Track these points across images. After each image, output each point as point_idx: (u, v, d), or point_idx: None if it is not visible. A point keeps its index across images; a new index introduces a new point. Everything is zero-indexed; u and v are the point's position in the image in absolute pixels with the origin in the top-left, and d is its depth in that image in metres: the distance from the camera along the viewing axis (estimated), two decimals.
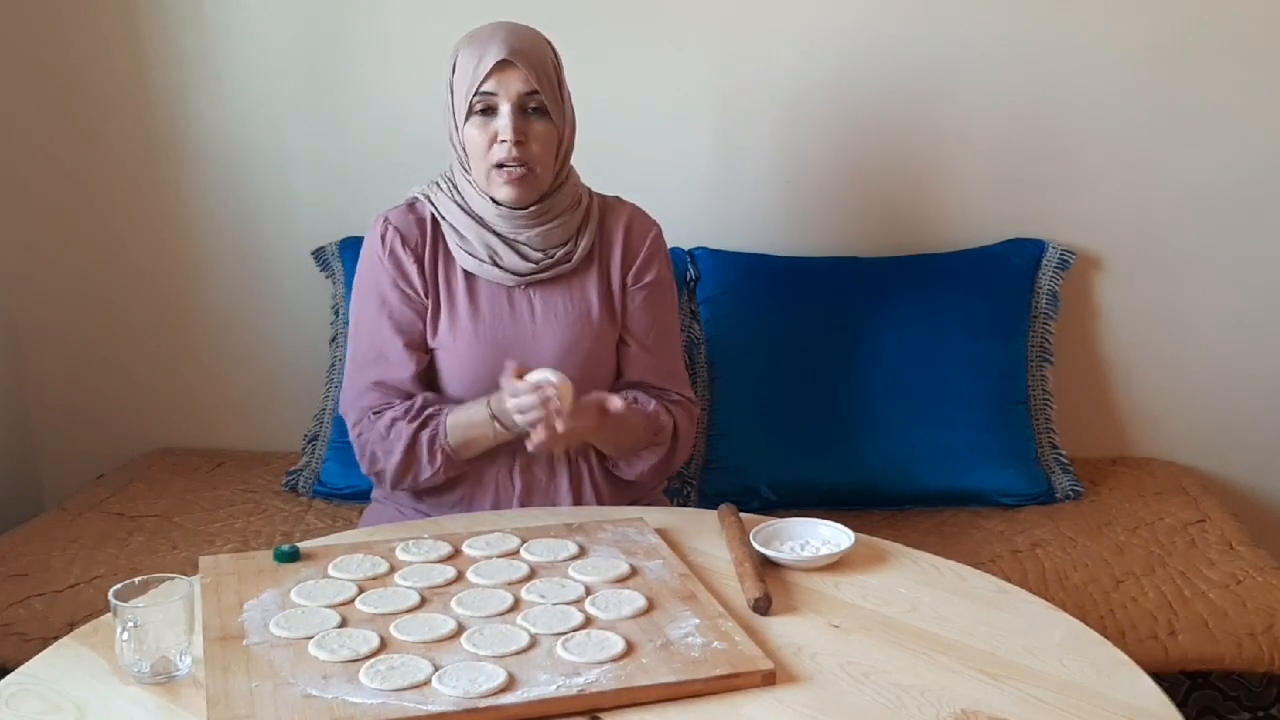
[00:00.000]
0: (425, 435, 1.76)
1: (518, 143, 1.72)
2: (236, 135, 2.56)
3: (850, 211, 2.51)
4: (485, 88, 1.72)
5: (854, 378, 2.33)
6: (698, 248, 2.46)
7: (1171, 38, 2.37)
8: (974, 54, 2.41)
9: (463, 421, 1.76)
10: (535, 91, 1.73)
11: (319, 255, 2.54)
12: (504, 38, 1.73)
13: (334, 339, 2.50)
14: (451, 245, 1.82)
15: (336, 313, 2.50)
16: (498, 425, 1.73)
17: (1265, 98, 2.38)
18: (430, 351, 1.84)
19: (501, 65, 1.71)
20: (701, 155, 2.51)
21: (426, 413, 1.78)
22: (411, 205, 1.87)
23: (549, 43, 1.80)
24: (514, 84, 1.72)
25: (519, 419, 1.65)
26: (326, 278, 2.53)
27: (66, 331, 2.68)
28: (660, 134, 2.49)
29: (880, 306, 2.37)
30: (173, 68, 2.53)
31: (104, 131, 2.58)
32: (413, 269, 1.81)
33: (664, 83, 2.47)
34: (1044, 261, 2.42)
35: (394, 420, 1.78)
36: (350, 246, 2.49)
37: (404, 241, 1.82)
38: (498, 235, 1.80)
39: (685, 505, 2.24)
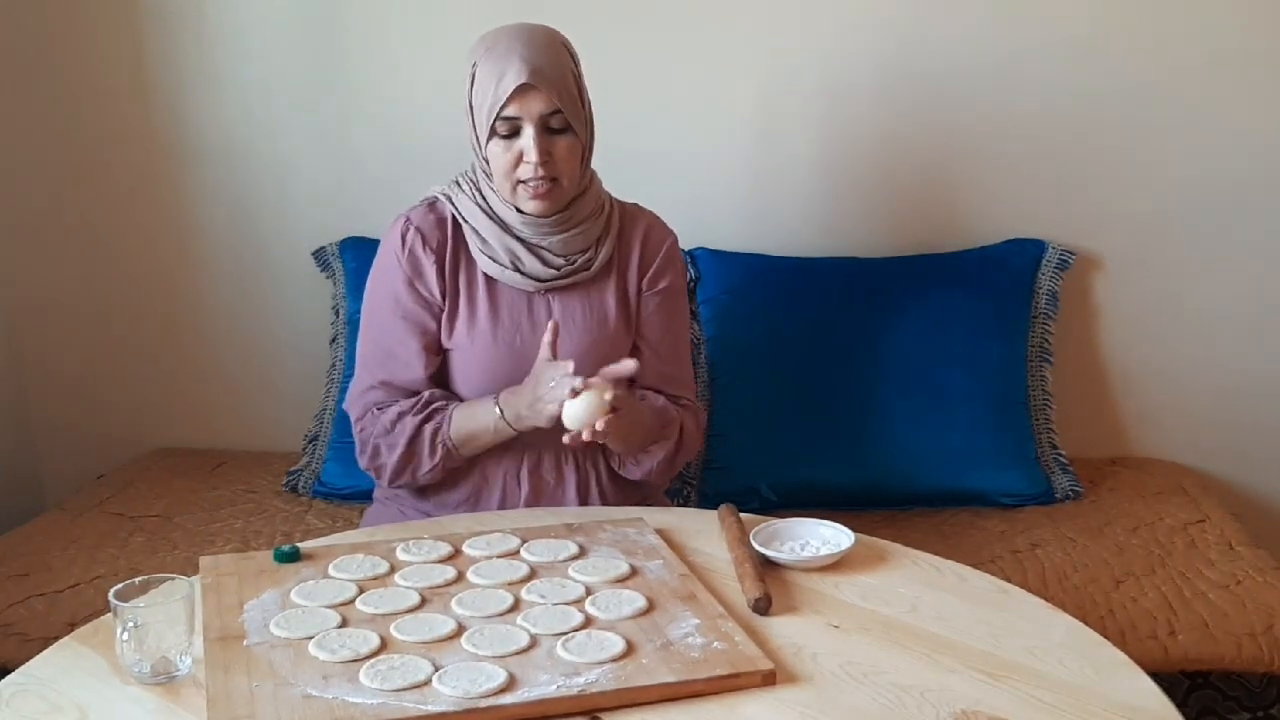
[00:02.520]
0: (429, 428, 1.76)
1: (543, 162, 1.71)
2: (237, 135, 2.56)
3: (850, 212, 2.51)
4: (507, 112, 1.70)
5: (854, 378, 2.33)
6: (698, 248, 2.46)
7: (1171, 38, 2.37)
8: (973, 56, 2.41)
9: (467, 414, 1.76)
10: (558, 111, 1.71)
11: (319, 255, 2.54)
12: (523, 54, 1.69)
13: (334, 339, 2.50)
14: (473, 248, 1.81)
15: (337, 313, 2.50)
16: (502, 421, 1.73)
17: (1264, 98, 2.38)
18: (441, 354, 1.84)
19: (523, 89, 1.69)
20: (702, 156, 2.51)
21: (433, 407, 1.78)
22: (432, 205, 1.86)
23: (567, 48, 1.77)
24: (536, 105, 1.70)
25: (548, 407, 1.64)
26: (326, 278, 2.53)
27: (67, 331, 2.68)
28: (662, 136, 2.49)
29: (880, 307, 2.37)
30: (173, 68, 2.53)
31: (104, 132, 2.58)
32: (431, 271, 1.81)
33: (666, 85, 2.48)
34: (1044, 262, 2.42)
35: (400, 414, 1.78)
36: (350, 246, 2.49)
37: (425, 242, 1.81)
38: (520, 240, 1.79)
39: (685, 505, 2.24)
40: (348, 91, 2.53)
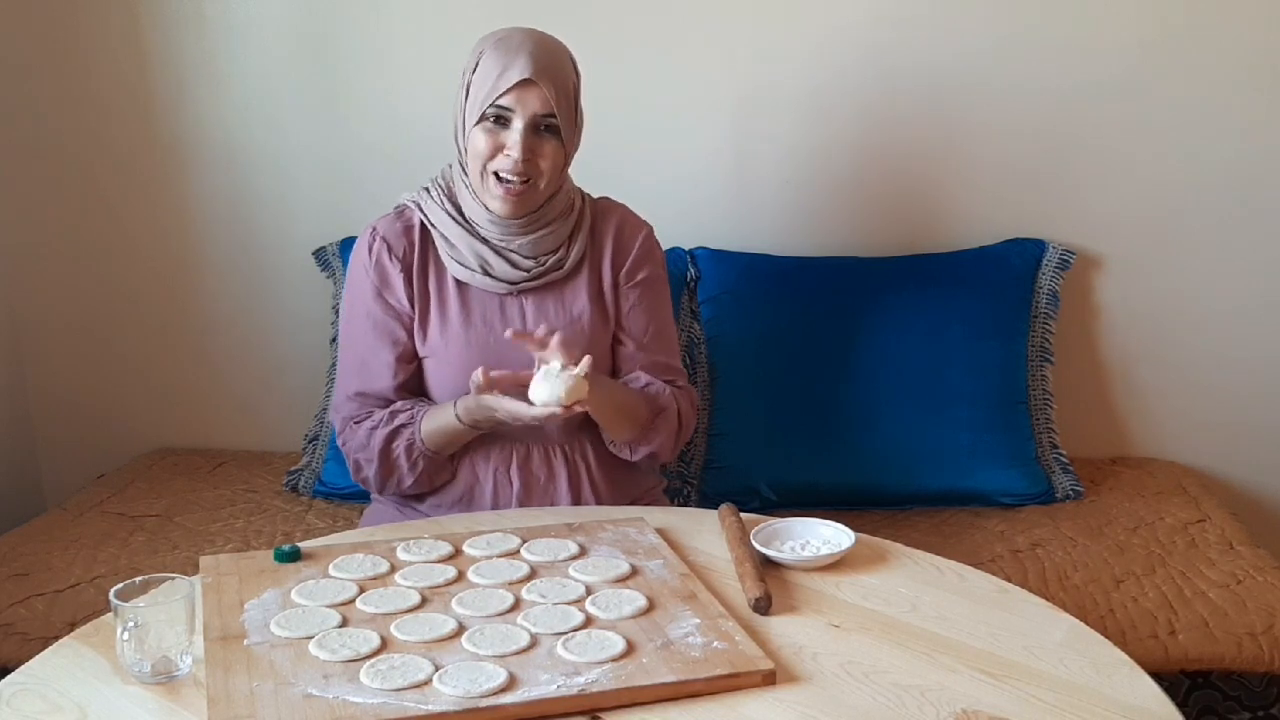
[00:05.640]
0: (400, 443, 1.77)
1: (525, 159, 1.71)
2: (237, 135, 2.56)
3: (851, 212, 2.51)
4: (503, 101, 1.70)
5: (854, 378, 2.33)
6: (698, 248, 2.46)
7: (1171, 36, 2.37)
8: (974, 55, 2.41)
9: (437, 429, 1.76)
10: (551, 114, 1.72)
11: (319, 255, 2.54)
12: (531, 52, 1.70)
13: (334, 339, 2.50)
14: (442, 254, 1.82)
15: (337, 313, 2.50)
16: (472, 428, 1.75)
17: (1265, 96, 2.38)
18: (416, 361, 1.84)
19: (524, 84, 1.69)
20: (703, 155, 2.51)
21: (398, 420, 1.78)
22: (400, 213, 1.86)
23: (573, 61, 1.78)
24: (532, 103, 1.71)
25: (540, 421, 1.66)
26: (326, 278, 2.53)
27: (67, 331, 2.68)
28: (662, 134, 2.49)
29: (881, 306, 2.37)
30: (173, 68, 2.53)
31: (105, 133, 2.58)
32: (398, 280, 1.81)
33: (666, 83, 2.47)
34: (1044, 261, 2.42)
35: (372, 429, 1.79)
36: (350, 247, 2.48)
37: (391, 251, 1.82)
38: (488, 244, 1.80)
39: (685, 505, 2.24)
40: (348, 92, 2.53)
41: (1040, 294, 2.41)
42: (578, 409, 1.63)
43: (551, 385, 1.61)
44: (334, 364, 2.48)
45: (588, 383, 1.63)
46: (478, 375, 1.65)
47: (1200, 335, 2.48)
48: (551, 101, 1.71)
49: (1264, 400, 2.49)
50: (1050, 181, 2.45)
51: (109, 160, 2.59)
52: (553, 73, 1.72)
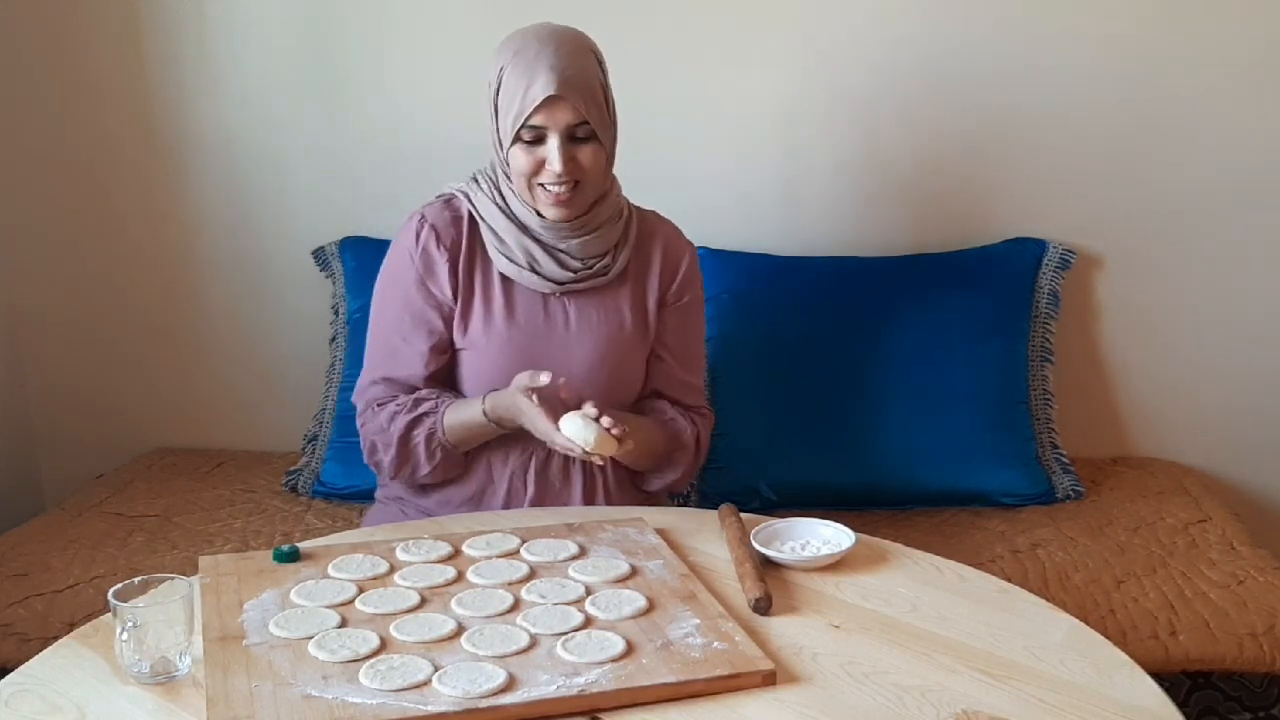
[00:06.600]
0: (421, 432, 1.76)
1: (566, 170, 1.70)
2: (237, 135, 2.55)
3: (851, 212, 2.50)
4: (534, 121, 1.69)
5: (855, 377, 2.32)
6: (699, 247, 2.45)
7: (1172, 36, 2.37)
8: (974, 55, 2.41)
9: (460, 423, 1.76)
10: (584, 122, 1.71)
11: (319, 255, 2.54)
12: (552, 64, 1.68)
13: (333, 339, 2.50)
14: (489, 248, 1.80)
15: (336, 312, 2.50)
16: (496, 426, 1.74)
17: (1266, 96, 2.37)
18: (449, 353, 1.83)
19: (551, 99, 1.67)
20: (703, 155, 2.50)
21: (422, 409, 1.77)
22: (448, 202, 1.85)
23: (595, 54, 1.76)
24: (563, 116, 1.69)
25: (558, 448, 1.67)
26: (326, 278, 2.53)
27: (67, 331, 2.68)
28: (662, 134, 2.48)
29: (881, 306, 2.37)
30: (173, 67, 2.53)
31: (105, 132, 2.57)
32: (444, 270, 1.80)
33: (669, 84, 2.47)
34: (1045, 261, 2.42)
35: (394, 414, 1.78)
36: (350, 246, 2.49)
37: (439, 241, 1.80)
38: (538, 242, 1.79)
39: (685, 505, 2.24)
40: (348, 91, 2.52)
41: (1041, 294, 2.41)
42: (595, 460, 1.65)
43: (583, 428, 1.61)
44: (334, 364, 2.48)
45: (617, 443, 1.62)
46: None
47: (1201, 334, 2.47)
48: (582, 110, 1.69)
49: (1265, 400, 2.48)
50: (1051, 181, 2.45)
51: (109, 160, 2.59)
52: (576, 81, 1.70)
